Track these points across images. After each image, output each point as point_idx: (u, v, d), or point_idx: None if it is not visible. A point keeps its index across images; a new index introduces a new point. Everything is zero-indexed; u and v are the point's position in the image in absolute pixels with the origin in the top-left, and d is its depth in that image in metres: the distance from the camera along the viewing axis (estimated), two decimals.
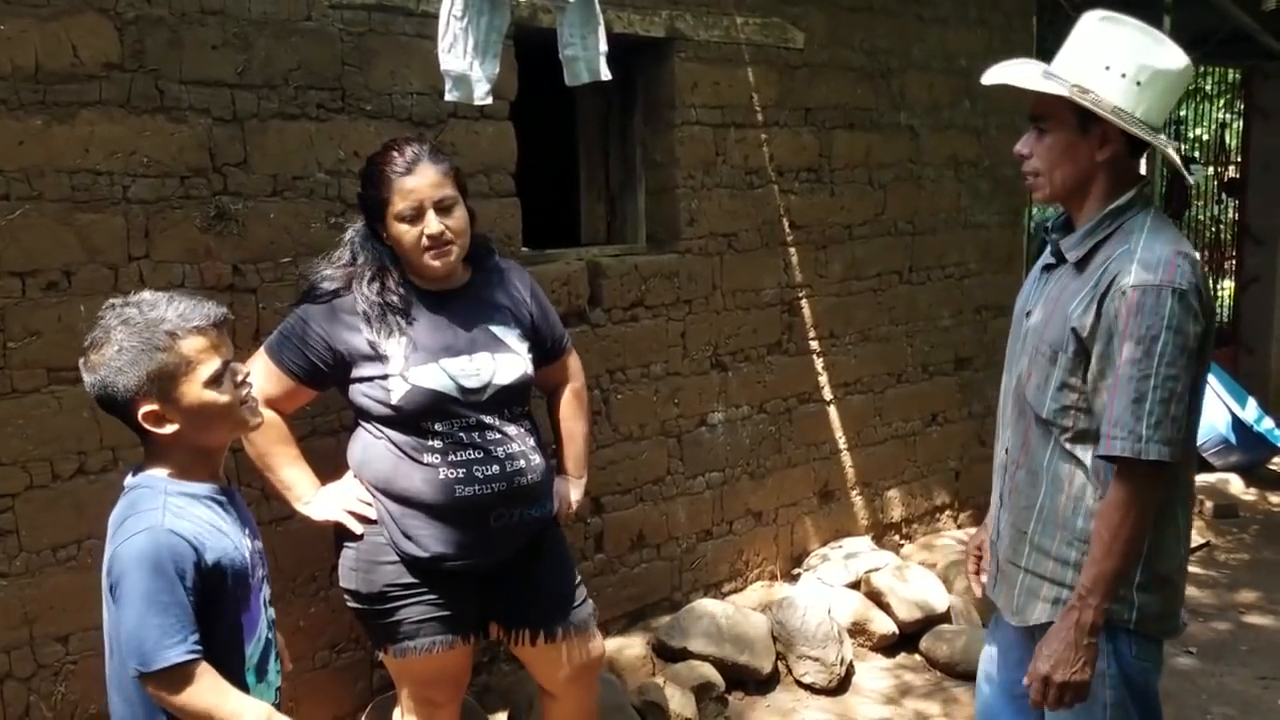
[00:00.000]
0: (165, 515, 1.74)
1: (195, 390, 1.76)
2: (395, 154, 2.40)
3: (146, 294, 1.81)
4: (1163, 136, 2.05)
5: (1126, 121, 1.98)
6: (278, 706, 1.93)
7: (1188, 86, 2.44)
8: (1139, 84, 1.97)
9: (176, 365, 1.74)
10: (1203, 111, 8.52)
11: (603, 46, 2.62)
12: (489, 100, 2.62)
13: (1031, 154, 2.10)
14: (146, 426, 1.76)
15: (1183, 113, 8.25)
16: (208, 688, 1.73)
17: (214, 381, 1.78)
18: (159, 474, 1.81)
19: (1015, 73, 2.11)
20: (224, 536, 1.82)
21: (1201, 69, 7.84)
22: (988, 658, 2.42)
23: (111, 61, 2.53)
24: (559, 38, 2.62)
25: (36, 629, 2.51)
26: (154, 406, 1.74)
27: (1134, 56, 1.97)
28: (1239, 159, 7.76)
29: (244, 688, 1.85)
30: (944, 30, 4.64)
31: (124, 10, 2.53)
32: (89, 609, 2.58)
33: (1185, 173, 2.28)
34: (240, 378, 1.84)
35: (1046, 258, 2.18)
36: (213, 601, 1.78)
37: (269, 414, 2.46)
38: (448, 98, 2.57)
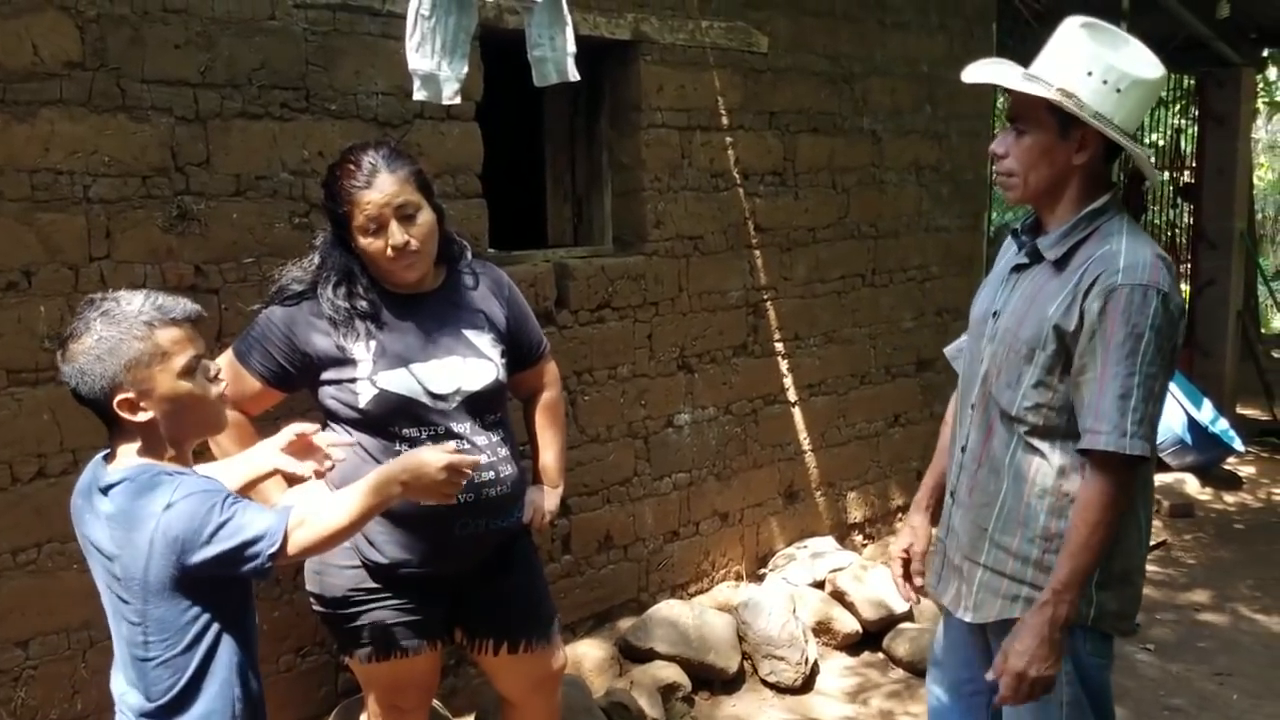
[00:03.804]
0: (187, 475, 1.85)
1: (169, 380, 1.83)
2: (352, 166, 2.33)
3: (124, 291, 1.88)
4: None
5: (1107, 127, 1.99)
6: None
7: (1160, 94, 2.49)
8: (1119, 91, 1.99)
9: (151, 354, 1.81)
10: (1158, 117, 8.66)
11: (571, 47, 2.62)
12: (458, 100, 2.61)
13: (1008, 154, 2.09)
14: (121, 414, 1.82)
15: None
16: (316, 524, 1.86)
17: (187, 373, 1.85)
18: (143, 460, 1.86)
19: (999, 72, 2.10)
20: None
21: None
22: (935, 660, 2.45)
23: (72, 60, 2.50)
24: (527, 38, 2.62)
25: None
26: (129, 394, 1.81)
27: (1115, 63, 1.99)
28: (1194, 164, 7.89)
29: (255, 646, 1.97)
30: (905, 35, 4.69)
31: (85, 8, 2.51)
32: (49, 613, 2.55)
33: (1154, 177, 2.27)
34: (213, 374, 1.92)
35: (1017, 258, 2.18)
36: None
37: (235, 415, 2.44)
38: (416, 97, 2.56)
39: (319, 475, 2.21)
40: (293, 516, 1.83)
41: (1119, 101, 1.99)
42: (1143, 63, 2.02)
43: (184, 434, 1.90)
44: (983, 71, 2.12)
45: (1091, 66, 1.99)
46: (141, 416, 1.83)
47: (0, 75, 2.39)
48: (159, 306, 1.84)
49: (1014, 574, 2.12)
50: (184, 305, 1.88)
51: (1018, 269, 2.17)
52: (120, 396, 1.81)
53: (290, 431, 2.19)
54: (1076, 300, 2.00)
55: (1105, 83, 1.98)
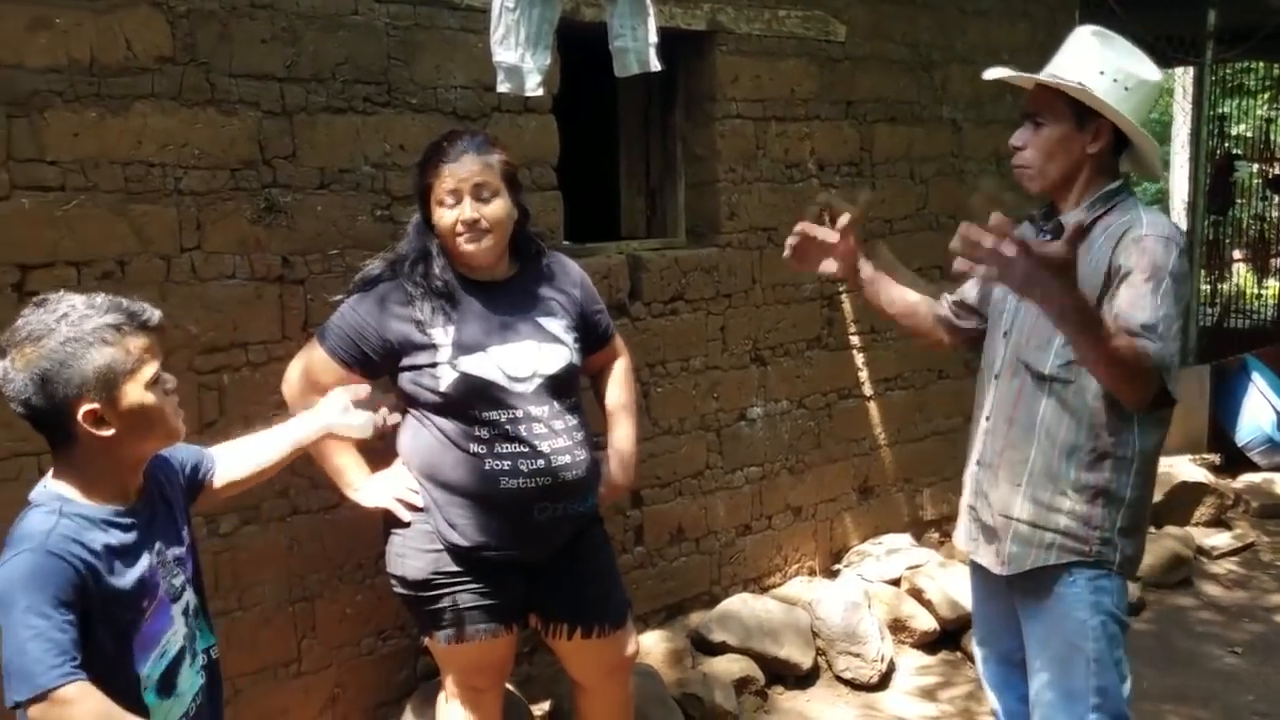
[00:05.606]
0: (51, 537, 1.63)
1: (137, 391, 1.67)
2: (445, 144, 2.46)
3: (74, 295, 1.70)
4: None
5: (1120, 118, 2.20)
6: (196, 709, 1.84)
7: (1160, 96, 2.72)
8: (1126, 89, 2.21)
9: (123, 363, 1.65)
10: (1246, 108, 8.41)
11: (653, 38, 2.63)
12: (540, 92, 2.63)
13: (1026, 146, 2.30)
14: (84, 427, 1.64)
15: (1225, 110, 8.14)
16: (91, 711, 1.59)
17: (153, 384, 1.70)
18: (60, 492, 1.70)
19: (1022, 73, 2.35)
20: (119, 558, 1.71)
21: (1245, 65, 7.74)
22: (980, 640, 2.59)
23: (164, 54, 2.56)
24: (609, 29, 2.62)
25: None
26: (95, 406, 1.63)
27: (1123, 65, 2.22)
28: None
29: (142, 709, 1.72)
30: (987, 23, 4.61)
31: (176, 4, 2.57)
32: None
33: (1159, 169, 2.42)
34: (170, 386, 1.75)
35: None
36: (100, 624, 1.67)
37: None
38: (499, 89, 2.58)
39: (378, 433, 2.19)
40: (74, 687, 1.55)
41: (1127, 98, 2.20)
42: (1145, 67, 2.25)
43: (139, 450, 1.74)
44: (1005, 71, 2.38)
45: (1103, 67, 2.20)
46: (105, 432, 1.65)
47: (95, 70, 2.46)
48: (126, 310, 1.67)
49: (1048, 524, 2.25)
50: (150, 311, 1.71)
51: None
52: (85, 408, 1.62)
53: (339, 394, 2.14)
54: (1105, 257, 2.16)
55: (1115, 81, 2.20)
